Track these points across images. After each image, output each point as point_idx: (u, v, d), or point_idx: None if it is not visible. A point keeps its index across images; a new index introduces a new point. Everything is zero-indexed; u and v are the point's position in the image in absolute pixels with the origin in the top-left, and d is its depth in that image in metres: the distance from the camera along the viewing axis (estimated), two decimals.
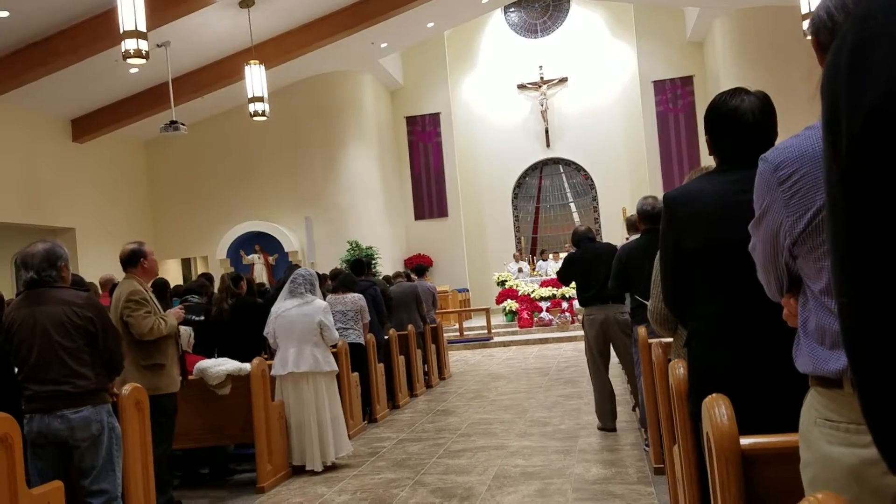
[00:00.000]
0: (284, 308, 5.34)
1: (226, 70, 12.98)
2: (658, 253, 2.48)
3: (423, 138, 18.83)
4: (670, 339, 2.97)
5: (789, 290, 1.43)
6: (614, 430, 5.80)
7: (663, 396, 3.11)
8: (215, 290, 6.33)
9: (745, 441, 1.65)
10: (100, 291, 6.78)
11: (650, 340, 3.79)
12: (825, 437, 1.22)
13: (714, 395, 1.76)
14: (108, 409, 3.49)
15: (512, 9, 19.49)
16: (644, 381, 4.29)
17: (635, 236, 5.14)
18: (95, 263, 11.85)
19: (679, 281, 2.23)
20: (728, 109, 2.08)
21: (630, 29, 18.00)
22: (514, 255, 17.79)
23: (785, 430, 1.63)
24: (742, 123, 2.05)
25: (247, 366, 5.08)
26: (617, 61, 18.61)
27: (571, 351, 11.92)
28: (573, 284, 6.01)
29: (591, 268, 5.76)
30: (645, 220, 4.66)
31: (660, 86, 17.37)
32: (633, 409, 6.09)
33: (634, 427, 5.86)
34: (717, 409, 1.70)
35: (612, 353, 5.89)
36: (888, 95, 0.57)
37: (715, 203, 2.09)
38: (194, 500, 4.73)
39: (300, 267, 5.83)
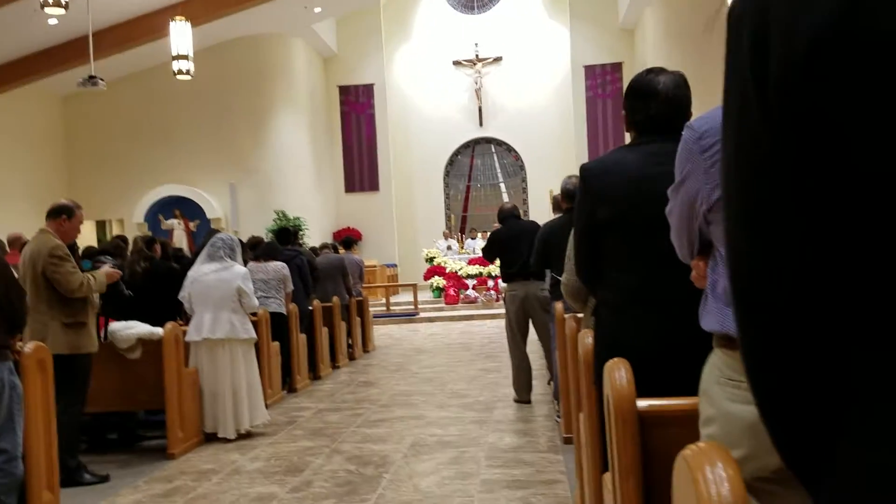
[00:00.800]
0: (202, 272, 5.21)
1: (150, 26, 12.47)
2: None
3: (357, 109, 18.59)
4: (582, 314, 3.04)
5: (700, 253, 1.48)
6: (529, 402, 5.93)
7: (573, 367, 3.19)
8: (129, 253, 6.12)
9: (642, 403, 1.70)
10: (7, 249, 6.46)
11: (566, 315, 3.88)
12: (727, 395, 1.27)
13: (615, 359, 1.81)
14: (9, 367, 3.36)
15: None
16: (558, 355, 4.39)
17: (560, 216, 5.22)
18: (4, 222, 11.28)
19: (591, 251, 2.28)
20: (644, 82, 2.13)
21: (565, 12, 18.17)
22: (443, 233, 17.85)
23: (684, 395, 1.69)
24: (657, 96, 2.10)
25: (159, 330, 4.94)
26: (551, 43, 18.77)
27: (495, 328, 12.08)
28: (497, 262, 6.08)
29: (514, 245, 5.83)
30: (567, 198, 4.73)
31: (590, 71, 17.63)
32: (549, 383, 6.23)
33: (549, 400, 6.00)
34: (617, 373, 1.75)
35: (532, 328, 6.00)
36: (850, 10, 0.44)
37: (629, 175, 2.14)
38: (102, 466, 4.59)
39: (221, 232, 5.69)
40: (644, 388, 1.77)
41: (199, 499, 3.98)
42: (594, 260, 2.28)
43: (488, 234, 16.45)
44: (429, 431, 5.20)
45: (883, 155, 0.44)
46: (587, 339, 2.52)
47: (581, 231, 2.33)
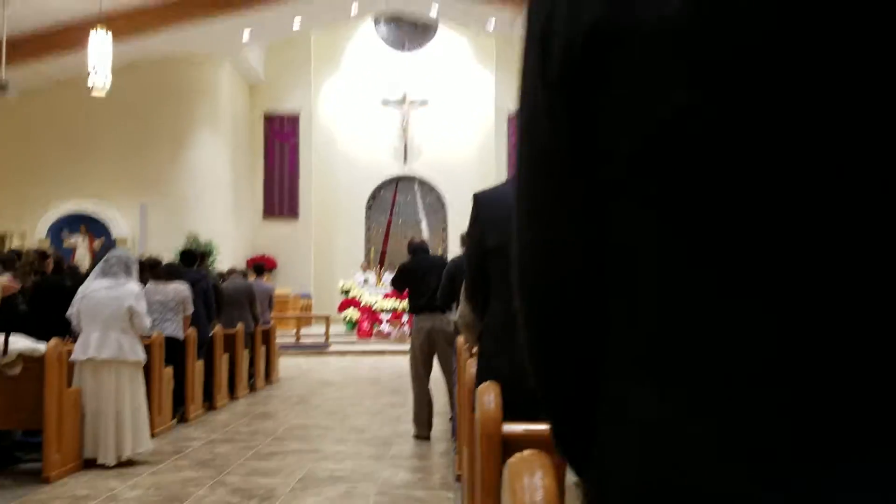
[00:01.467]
0: (93, 289, 4.97)
1: (70, 37, 12.08)
2: None
3: (281, 137, 18.42)
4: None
5: None
6: (428, 438, 5.87)
7: (461, 395, 3.17)
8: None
9: (509, 427, 1.70)
10: None
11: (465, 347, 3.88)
12: None
13: (486, 383, 1.81)
14: None
15: (382, 21, 19.60)
16: (457, 388, 4.37)
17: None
18: None
19: (479, 278, 2.29)
20: None
21: (492, 59, 18.62)
22: (361, 265, 17.72)
23: None
24: None
25: (41, 346, 4.67)
26: (478, 89, 19.17)
27: (406, 363, 11.97)
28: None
29: (422, 277, 5.84)
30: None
31: (514, 120, 18.06)
32: (450, 420, 6.20)
33: (448, 437, 5.96)
34: (487, 396, 1.74)
35: (436, 363, 5.98)
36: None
37: (513, 206, 2.17)
38: None
39: (118, 248, 5.45)
40: (517, 414, 1.77)
41: None
42: (483, 287, 2.29)
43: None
44: (322, 465, 5.06)
45: (637, 152, 0.45)
46: (472, 367, 2.52)
47: (470, 257, 2.34)
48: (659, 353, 0.46)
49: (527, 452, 0.98)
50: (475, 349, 3.25)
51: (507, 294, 2.29)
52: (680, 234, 0.44)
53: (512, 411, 1.76)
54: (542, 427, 1.79)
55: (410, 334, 6.05)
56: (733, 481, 0.40)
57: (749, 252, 0.41)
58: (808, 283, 0.40)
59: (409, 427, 6.21)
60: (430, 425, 5.93)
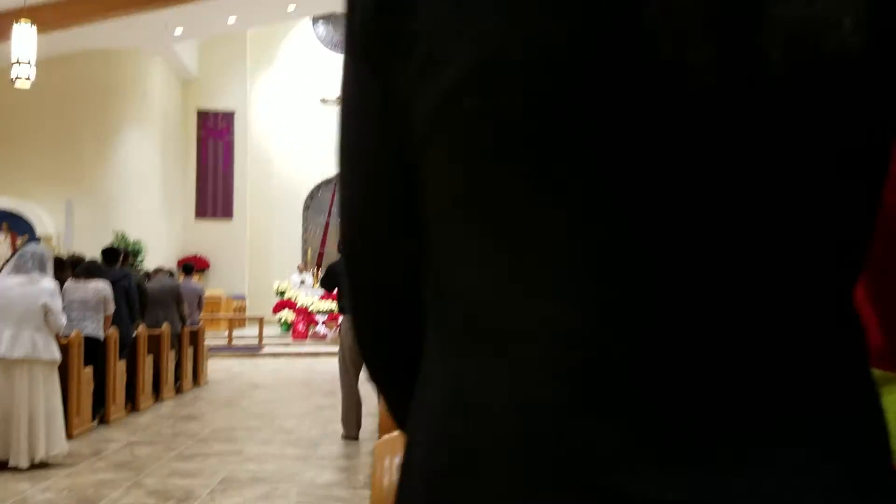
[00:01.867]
0: (6, 286, 4.79)
1: None
2: None
3: (215, 135, 18.07)
4: None
5: None
6: (356, 438, 5.85)
7: None
8: None
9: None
10: None
11: None
12: None
13: None
14: None
15: (320, 21, 19.45)
16: None
17: None
18: None
19: None
20: None
21: None
22: (298, 266, 17.50)
23: None
24: None
25: None
26: None
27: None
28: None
29: None
30: None
31: None
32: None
33: (376, 437, 5.95)
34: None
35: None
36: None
37: None
38: None
39: (33, 244, 5.26)
40: None
41: None
42: None
43: None
44: (244, 467, 4.99)
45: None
46: None
47: None
48: (459, 316, 0.48)
49: (394, 433, 1.00)
50: None
51: None
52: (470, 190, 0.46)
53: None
54: None
55: (340, 335, 6.02)
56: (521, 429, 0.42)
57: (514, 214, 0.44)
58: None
59: (339, 428, 6.18)
60: (358, 425, 5.91)
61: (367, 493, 4.34)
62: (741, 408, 0.41)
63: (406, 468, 0.53)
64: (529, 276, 0.44)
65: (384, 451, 0.95)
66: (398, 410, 0.60)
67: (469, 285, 0.47)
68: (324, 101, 19.07)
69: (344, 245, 0.59)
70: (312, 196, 19.53)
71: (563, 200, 0.43)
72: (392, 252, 0.55)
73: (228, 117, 18.08)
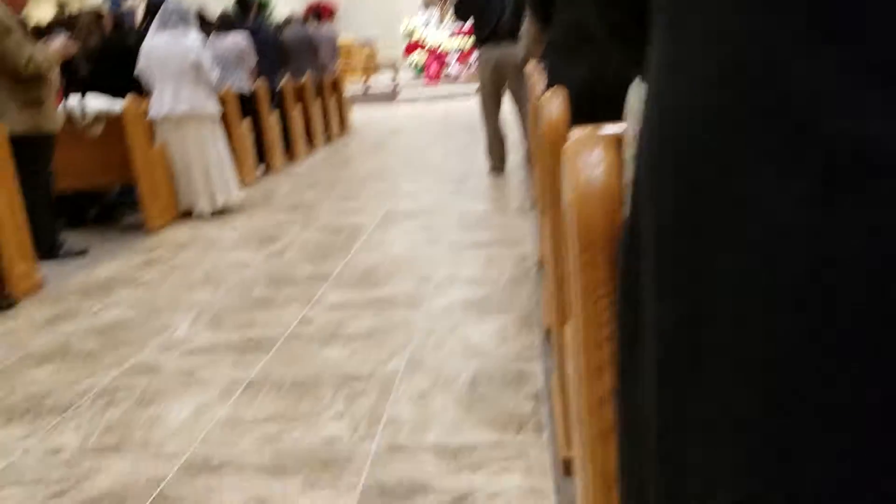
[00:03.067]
0: (155, 45, 4.94)
1: None
2: None
3: None
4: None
5: None
6: (503, 171, 5.95)
7: (535, 121, 3.13)
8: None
9: (575, 133, 1.66)
10: None
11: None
12: None
13: (552, 89, 1.74)
14: None
15: None
16: (530, 115, 4.31)
17: None
18: None
19: None
20: None
21: None
22: (423, 2, 16.83)
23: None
24: None
25: (117, 105, 4.80)
26: None
27: (476, 106, 11.87)
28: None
29: (486, 3, 5.51)
30: None
31: None
32: (525, 151, 6.22)
33: (523, 167, 6.03)
34: (552, 102, 1.69)
35: (507, 97, 5.86)
36: None
37: None
38: (82, 240, 4.68)
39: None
40: (583, 121, 1.72)
41: (176, 268, 4.10)
42: (546, 1, 2.14)
43: None
44: (402, 203, 5.26)
45: None
46: (541, 84, 2.43)
47: None
48: None
49: (583, 132, 0.94)
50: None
51: (571, 6, 2.14)
52: None
53: (579, 121, 1.70)
54: (610, 128, 1.74)
55: (477, 68, 5.87)
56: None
57: None
58: None
59: (484, 164, 6.29)
60: (503, 158, 5.97)
61: (519, 220, 4.48)
62: None
63: (650, 133, 0.47)
64: None
65: (579, 148, 0.90)
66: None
67: None
68: None
69: None
70: None
71: None
72: None
73: None
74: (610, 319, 0.85)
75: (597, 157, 0.88)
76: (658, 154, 0.42)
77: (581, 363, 0.91)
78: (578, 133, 0.93)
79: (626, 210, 0.49)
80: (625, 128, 1.38)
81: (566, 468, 1.89)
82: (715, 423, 0.36)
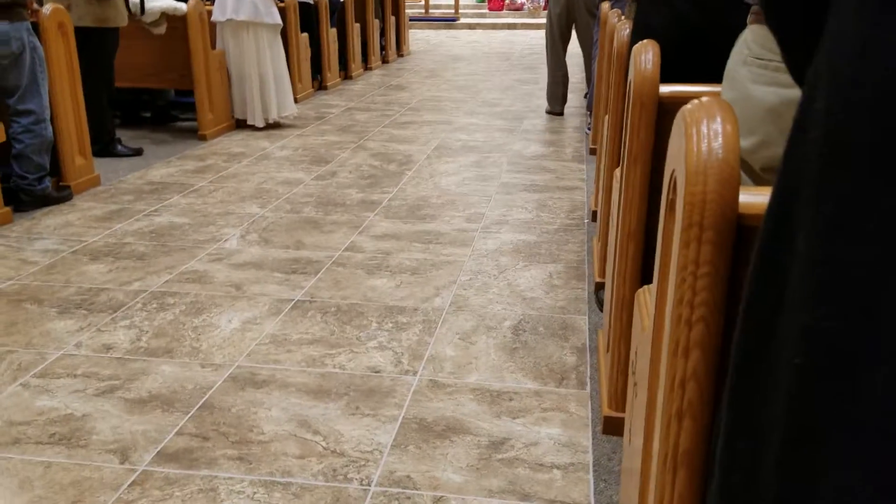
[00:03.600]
0: None
1: None
2: None
3: None
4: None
5: None
6: (562, 114, 5.81)
7: (608, 65, 3.02)
8: None
9: (665, 89, 1.59)
10: None
11: (609, 11, 3.60)
12: (751, 76, 1.18)
13: (644, 41, 1.66)
14: (27, 28, 3.30)
15: None
16: (598, 57, 4.17)
17: None
18: None
19: None
20: None
21: None
22: None
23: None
24: None
25: (182, 5, 4.75)
26: None
27: (538, 38, 11.54)
28: None
29: None
30: None
31: None
32: (585, 97, 6.05)
33: (582, 113, 5.88)
34: (644, 55, 1.61)
35: (574, 37, 5.67)
36: None
37: None
38: (136, 141, 4.72)
39: None
40: (672, 76, 1.64)
41: (228, 177, 4.12)
42: None
43: None
44: (455, 136, 5.19)
45: None
46: (624, 30, 2.33)
47: None
48: None
49: (705, 98, 0.89)
50: (625, 13, 3.00)
51: None
52: None
53: (667, 74, 1.62)
54: (700, 88, 1.66)
55: (546, 4, 5.67)
56: None
57: None
58: None
59: (542, 103, 6.15)
60: (564, 100, 5.82)
61: (575, 165, 4.39)
62: None
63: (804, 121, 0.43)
64: None
65: (699, 115, 0.84)
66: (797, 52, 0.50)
67: None
68: None
69: None
70: None
71: None
72: None
73: None
74: (708, 301, 0.82)
75: (717, 128, 0.82)
76: (841, 144, 0.38)
77: (668, 340, 0.88)
78: (702, 99, 0.87)
79: (773, 195, 0.46)
80: (722, 91, 1.32)
81: (606, 426, 1.89)
82: (864, 445, 0.34)
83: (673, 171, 0.92)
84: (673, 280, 0.86)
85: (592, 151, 4.46)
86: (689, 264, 0.82)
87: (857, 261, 0.36)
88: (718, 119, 0.83)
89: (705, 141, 0.82)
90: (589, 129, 4.97)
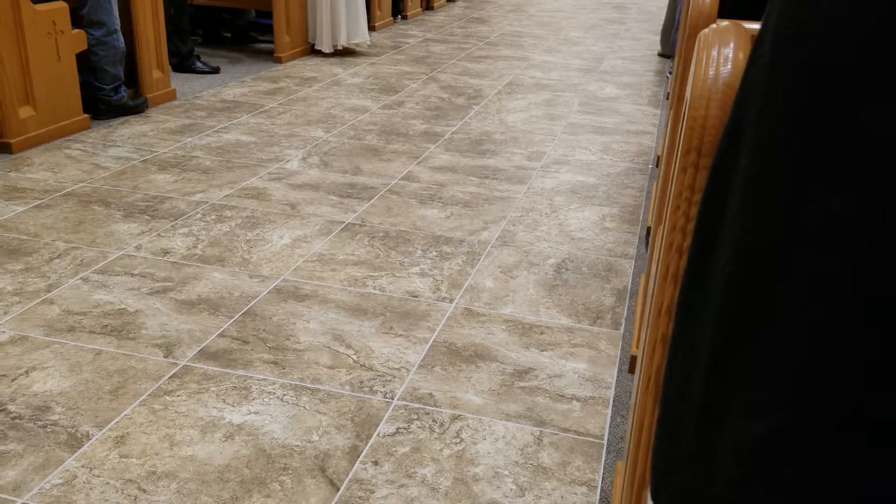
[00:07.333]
0: None
1: None
2: None
3: None
4: None
5: None
6: (671, 56, 5.61)
7: (685, 5, 2.88)
8: None
9: (722, 24, 1.51)
10: None
11: None
12: None
13: None
14: None
15: None
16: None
17: None
18: None
19: None
20: None
21: None
22: None
23: None
24: None
25: None
26: None
27: None
28: None
29: None
30: None
31: None
32: (672, 41, 5.81)
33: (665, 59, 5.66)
34: None
35: None
36: None
37: None
38: (213, 59, 4.83)
39: None
40: (734, 14, 1.57)
41: (298, 101, 4.19)
42: None
43: None
44: (529, 73, 5.09)
45: None
46: None
47: None
48: None
49: (724, 23, 0.85)
50: None
51: None
52: None
53: (730, 13, 1.55)
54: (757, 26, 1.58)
55: None
56: None
57: None
58: None
59: (625, 44, 5.96)
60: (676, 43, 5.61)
61: (650, 110, 4.26)
62: None
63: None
64: None
65: (712, 40, 0.81)
66: None
67: None
68: None
69: None
70: None
71: None
72: None
73: None
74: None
75: (728, 53, 0.79)
76: (789, 62, 0.38)
77: (660, 267, 0.87)
78: (720, 24, 0.84)
79: (730, 113, 0.45)
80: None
81: (632, 365, 1.89)
82: (776, 352, 0.36)
83: (687, 97, 0.89)
84: (670, 209, 0.85)
85: (669, 95, 4.31)
86: (685, 190, 0.81)
87: (785, 177, 0.37)
88: (731, 45, 0.80)
89: (713, 66, 0.79)
90: (670, 73, 4.79)
